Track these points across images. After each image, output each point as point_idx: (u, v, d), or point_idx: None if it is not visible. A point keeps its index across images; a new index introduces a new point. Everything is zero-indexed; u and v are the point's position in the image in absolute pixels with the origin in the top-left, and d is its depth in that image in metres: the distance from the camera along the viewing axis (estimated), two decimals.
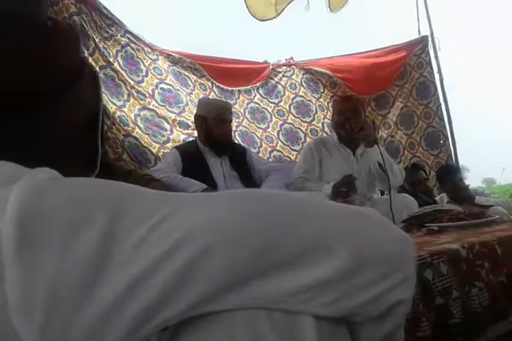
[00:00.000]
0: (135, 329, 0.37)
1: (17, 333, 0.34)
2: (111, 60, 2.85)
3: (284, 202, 0.44)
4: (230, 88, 3.59)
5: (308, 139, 3.79)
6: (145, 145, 2.83)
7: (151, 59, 3.17)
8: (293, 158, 3.67)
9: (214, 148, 2.51)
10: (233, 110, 3.43)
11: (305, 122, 3.92)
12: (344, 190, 2.36)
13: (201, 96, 3.36)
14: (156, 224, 0.38)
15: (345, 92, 3.91)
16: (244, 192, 0.46)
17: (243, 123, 3.57)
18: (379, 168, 2.40)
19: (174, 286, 0.37)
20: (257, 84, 3.76)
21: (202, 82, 3.45)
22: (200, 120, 2.56)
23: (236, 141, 3.33)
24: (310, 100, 4.00)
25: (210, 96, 3.43)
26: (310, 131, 3.90)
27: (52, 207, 0.37)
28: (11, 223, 0.35)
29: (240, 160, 2.59)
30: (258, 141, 3.60)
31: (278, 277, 0.40)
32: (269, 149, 3.66)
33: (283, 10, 3.50)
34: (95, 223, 0.36)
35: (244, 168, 2.59)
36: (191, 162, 2.46)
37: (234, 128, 3.40)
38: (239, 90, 3.65)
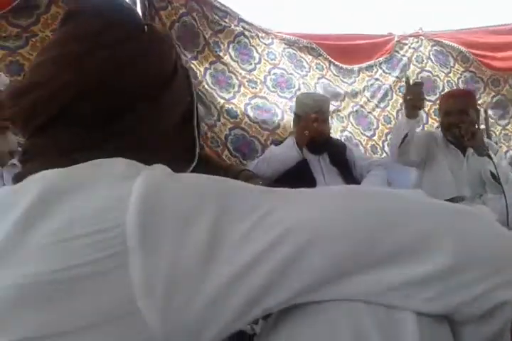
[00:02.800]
0: (240, 314, 0.40)
1: (140, 312, 0.38)
2: (221, 54, 2.98)
3: (388, 199, 0.46)
4: (349, 66, 3.46)
5: (430, 120, 3.53)
6: (253, 134, 2.95)
7: (265, 44, 3.22)
8: None
9: (311, 147, 2.53)
10: (352, 89, 3.26)
11: (429, 101, 3.58)
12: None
13: (317, 77, 3.33)
14: (260, 218, 0.41)
15: (478, 67, 3.51)
16: (345, 188, 0.49)
17: (360, 103, 3.44)
18: (491, 177, 2.16)
19: (278, 276, 0.40)
20: (380, 59, 3.55)
21: (318, 62, 3.40)
22: (296, 118, 2.59)
23: (350, 122, 3.26)
24: (437, 75, 3.64)
25: (327, 76, 3.38)
26: (433, 112, 3.57)
27: (169, 200, 0.41)
28: (135, 214, 0.39)
29: (339, 156, 2.56)
30: (375, 121, 3.46)
31: (379, 271, 0.41)
32: (386, 131, 3.49)
33: None
34: (205, 215, 0.41)
35: (344, 164, 2.56)
36: None
37: (350, 109, 3.29)
38: (359, 67, 3.49)
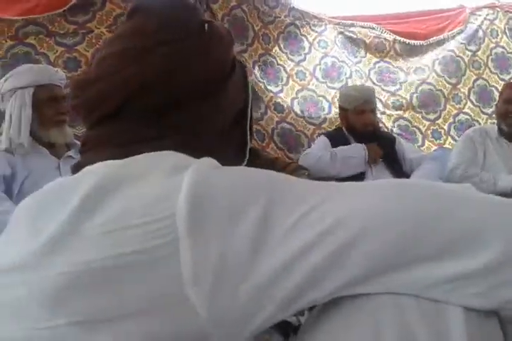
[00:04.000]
0: (286, 305, 0.40)
1: (190, 300, 0.39)
2: (270, 46, 2.98)
3: (437, 192, 0.45)
4: (415, 41, 3.28)
5: None
6: (299, 129, 2.94)
7: (317, 32, 3.17)
8: (482, 122, 3.23)
9: (358, 138, 2.48)
10: (420, 65, 3.15)
11: (502, 80, 3.31)
12: None
13: (373, 61, 3.24)
14: (308, 210, 0.41)
15: None
16: (394, 180, 0.52)
17: (429, 80, 3.27)
18: None
19: (324, 268, 0.40)
20: (453, 31, 3.33)
21: (379, 41, 3.27)
22: (341, 110, 2.55)
23: (415, 101, 3.09)
24: None
25: (390, 55, 3.26)
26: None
27: (217, 192, 0.43)
28: (184, 206, 0.41)
29: (388, 149, 2.49)
30: (442, 101, 3.26)
31: (428, 265, 0.41)
32: (454, 112, 3.28)
33: None
34: (253, 207, 0.41)
35: (393, 157, 2.49)
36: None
37: (419, 86, 3.15)
38: (428, 42, 3.31)
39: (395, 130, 3.19)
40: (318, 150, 2.49)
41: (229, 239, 0.40)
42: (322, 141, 2.57)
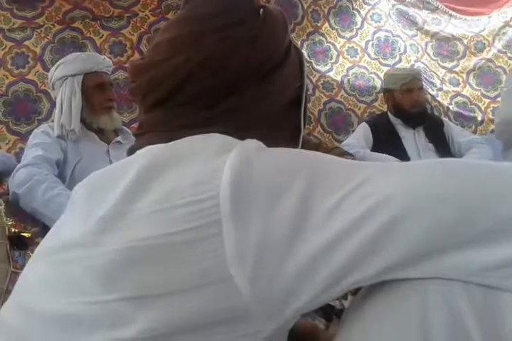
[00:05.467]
0: (328, 286, 0.40)
1: (233, 279, 0.40)
2: (319, 23, 2.88)
3: (490, 172, 0.42)
4: (474, 17, 3.11)
5: None
6: (349, 107, 2.85)
7: (370, 5, 3.04)
8: None
9: (405, 120, 2.39)
10: (480, 39, 2.98)
11: None
12: None
13: (430, 34, 3.08)
14: (351, 191, 0.41)
15: None
16: (442, 160, 0.46)
17: (488, 56, 3.10)
18: None
19: (367, 249, 0.39)
20: None
21: (435, 16, 3.11)
22: (387, 92, 2.46)
23: (469, 83, 2.93)
24: None
25: (446, 30, 3.08)
26: None
27: (259, 174, 0.43)
28: (227, 187, 0.42)
29: (436, 132, 2.39)
30: (503, 78, 3.06)
31: (475, 249, 0.39)
32: None
33: None
34: (295, 189, 0.42)
35: (441, 140, 2.39)
36: (382, 135, 2.40)
37: (478, 62, 2.96)
38: (489, 17, 3.12)
39: (451, 107, 3.04)
40: (357, 142, 2.40)
41: (270, 219, 0.41)
42: (362, 130, 2.49)
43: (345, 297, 0.97)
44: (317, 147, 2.17)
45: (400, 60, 3.01)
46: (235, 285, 0.40)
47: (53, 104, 1.88)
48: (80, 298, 0.43)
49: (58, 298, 0.45)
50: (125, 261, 0.42)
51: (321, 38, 2.91)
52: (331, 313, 0.96)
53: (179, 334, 0.41)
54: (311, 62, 2.84)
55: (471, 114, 3.06)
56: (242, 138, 0.49)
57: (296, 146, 0.62)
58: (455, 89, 3.10)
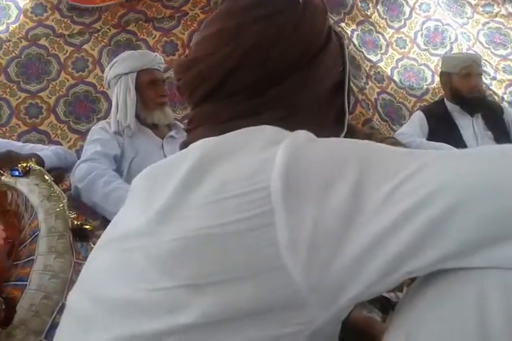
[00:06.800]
0: (383, 275, 0.40)
1: (286, 268, 0.40)
2: (369, 12, 2.84)
3: None
4: None
5: None
6: (400, 100, 2.79)
7: None
8: None
9: (463, 106, 2.31)
10: None
11: None
12: None
13: (482, 22, 2.96)
14: (404, 180, 0.40)
15: None
16: (500, 147, 0.44)
17: None
18: None
19: (423, 238, 0.38)
20: None
21: (487, 2, 2.97)
22: (445, 77, 2.39)
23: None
24: None
25: (498, 18, 2.95)
26: None
27: (311, 163, 0.44)
28: (279, 177, 0.42)
29: (495, 119, 2.30)
30: None
31: None
32: None
33: None
34: (346, 179, 0.42)
35: (501, 128, 2.30)
36: (438, 123, 2.33)
37: None
38: None
39: (506, 97, 2.92)
40: (412, 131, 2.34)
41: (323, 208, 0.41)
42: (418, 118, 2.42)
43: (401, 289, 0.97)
44: (369, 137, 2.13)
45: (452, 49, 2.93)
46: (288, 274, 0.40)
47: (111, 104, 1.97)
48: (141, 285, 0.45)
49: (121, 285, 0.47)
50: (182, 250, 0.44)
51: (371, 27, 2.87)
52: (387, 306, 0.96)
53: (236, 320, 0.41)
54: (362, 52, 2.80)
55: None
56: (289, 125, 0.50)
57: (341, 129, 0.63)
58: (510, 77, 2.96)
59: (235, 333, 0.41)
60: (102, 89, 2.64)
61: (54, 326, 0.90)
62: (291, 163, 0.43)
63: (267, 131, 0.50)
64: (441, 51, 2.93)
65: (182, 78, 0.60)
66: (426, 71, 2.91)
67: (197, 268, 0.43)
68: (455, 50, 2.92)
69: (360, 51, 2.79)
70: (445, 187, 0.39)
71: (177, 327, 0.42)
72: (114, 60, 1.94)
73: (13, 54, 2.60)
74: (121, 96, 1.86)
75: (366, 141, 0.47)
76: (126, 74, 1.87)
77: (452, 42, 2.94)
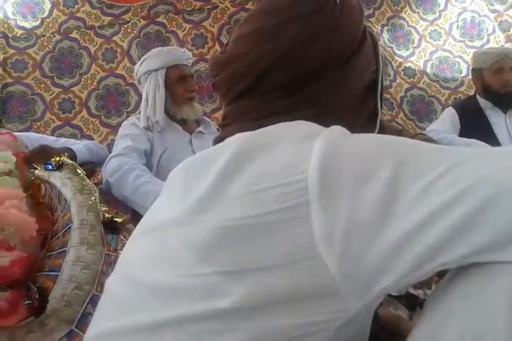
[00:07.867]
0: (416, 267, 0.40)
1: (321, 257, 0.41)
2: (399, 7, 2.77)
3: None
4: None
5: None
6: (432, 94, 2.73)
7: None
8: None
9: (495, 102, 2.23)
10: None
11: None
12: None
13: None
14: (438, 175, 0.41)
15: None
16: None
17: None
18: None
19: (457, 232, 0.39)
20: None
21: None
22: (476, 73, 2.31)
23: None
24: None
25: None
26: None
27: (347, 157, 0.44)
28: (316, 171, 0.43)
29: None
30: None
31: None
32: None
33: None
34: (383, 172, 0.42)
35: None
36: (470, 120, 2.27)
37: None
38: None
39: None
40: (443, 127, 2.28)
41: (359, 201, 0.42)
42: (449, 115, 2.36)
43: (429, 287, 0.96)
44: (400, 133, 2.10)
45: (489, 41, 2.84)
46: (323, 264, 0.41)
47: (140, 96, 1.99)
48: (178, 271, 0.46)
49: (158, 271, 0.48)
50: (220, 239, 0.45)
51: (402, 21, 2.81)
52: (414, 303, 0.96)
53: (271, 307, 0.42)
54: (391, 47, 2.76)
55: None
56: (323, 123, 0.51)
57: (373, 130, 0.63)
58: None
59: (269, 319, 0.42)
60: (131, 80, 2.65)
61: (85, 315, 0.93)
62: (328, 157, 0.44)
63: (304, 126, 0.51)
64: (478, 43, 2.85)
65: (218, 75, 0.61)
66: (461, 63, 2.84)
67: (234, 256, 0.44)
68: (492, 42, 2.84)
69: (389, 47, 2.74)
70: (478, 184, 0.39)
71: (214, 311, 0.43)
72: (145, 56, 1.96)
73: (47, 49, 2.66)
74: (151, 93, 1.88)
75: (401, 138, 0.48)
76: (156, 70, 1.89)
77: (489, 34, 2.86)
